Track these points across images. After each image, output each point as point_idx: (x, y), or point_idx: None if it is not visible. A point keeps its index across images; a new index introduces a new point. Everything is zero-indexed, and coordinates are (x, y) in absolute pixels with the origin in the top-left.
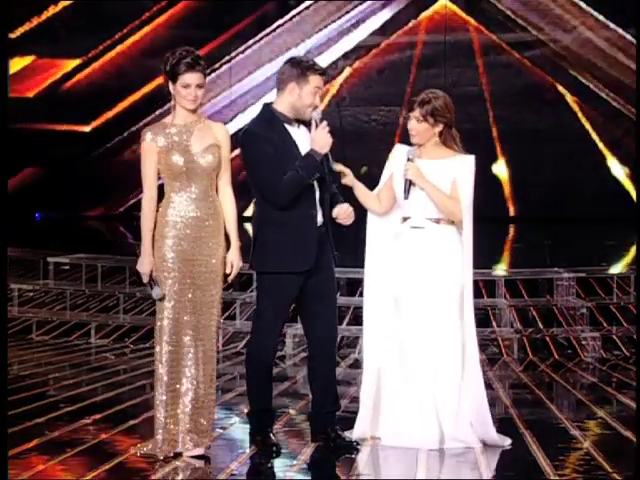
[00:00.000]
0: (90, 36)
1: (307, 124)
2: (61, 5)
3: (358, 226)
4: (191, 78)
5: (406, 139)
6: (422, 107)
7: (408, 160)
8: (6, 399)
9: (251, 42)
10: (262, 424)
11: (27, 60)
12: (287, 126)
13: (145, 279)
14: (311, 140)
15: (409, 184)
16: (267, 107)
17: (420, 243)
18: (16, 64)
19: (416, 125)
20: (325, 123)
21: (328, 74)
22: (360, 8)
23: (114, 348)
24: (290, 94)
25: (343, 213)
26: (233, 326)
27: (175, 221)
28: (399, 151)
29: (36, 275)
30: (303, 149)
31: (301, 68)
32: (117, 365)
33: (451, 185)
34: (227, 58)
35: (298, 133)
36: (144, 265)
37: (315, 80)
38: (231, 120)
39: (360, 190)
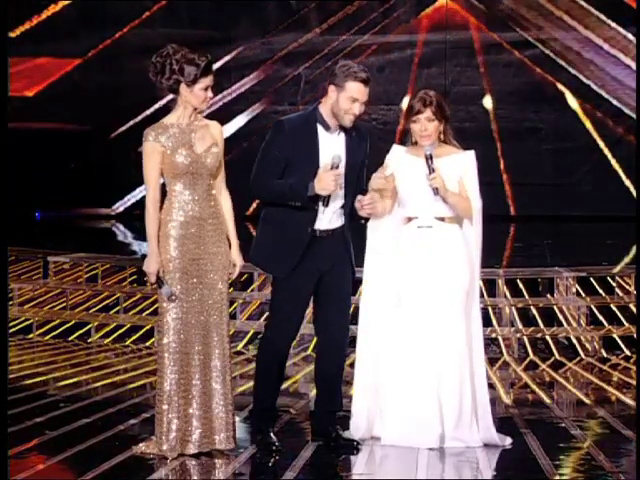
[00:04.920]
0: (90, 36)
1: (345, 131)
2: (61, 5)
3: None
4: (210, 80)
5: (406, 138)
6: (431, 106)
7: (428, 160)
8: (6, 398)
9: (252, 42)
10: (263, 423)
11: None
12: (321, 130)
13: (153, 279)
14: (317, 177)
15: (436, 190)
16: (317, 105)
17: (429, 242)
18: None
19: (428, 125)
20: (338, 171)
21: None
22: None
23: (114, 348)
24: (329, 97)
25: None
26: (233, 326)
27: (179, 221)
28: (397, 152)
29: (36, 275)
30: (325, 154)
31: (342, 73)
32: (117, 365)
33: (458, 182)
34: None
35: (329, 138)
36: (151, 265)
37: (353, 88)
38: (229, 120)
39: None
